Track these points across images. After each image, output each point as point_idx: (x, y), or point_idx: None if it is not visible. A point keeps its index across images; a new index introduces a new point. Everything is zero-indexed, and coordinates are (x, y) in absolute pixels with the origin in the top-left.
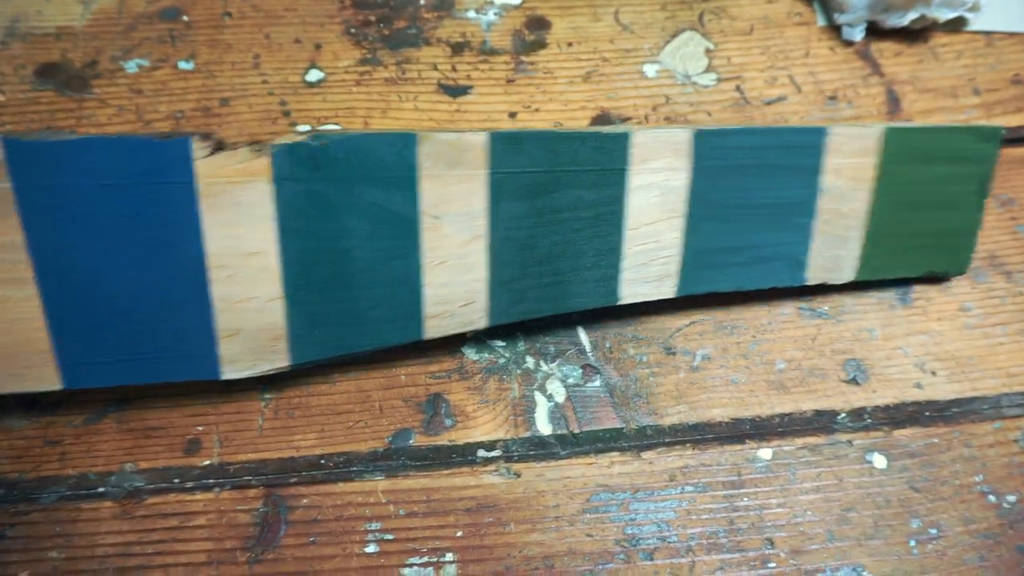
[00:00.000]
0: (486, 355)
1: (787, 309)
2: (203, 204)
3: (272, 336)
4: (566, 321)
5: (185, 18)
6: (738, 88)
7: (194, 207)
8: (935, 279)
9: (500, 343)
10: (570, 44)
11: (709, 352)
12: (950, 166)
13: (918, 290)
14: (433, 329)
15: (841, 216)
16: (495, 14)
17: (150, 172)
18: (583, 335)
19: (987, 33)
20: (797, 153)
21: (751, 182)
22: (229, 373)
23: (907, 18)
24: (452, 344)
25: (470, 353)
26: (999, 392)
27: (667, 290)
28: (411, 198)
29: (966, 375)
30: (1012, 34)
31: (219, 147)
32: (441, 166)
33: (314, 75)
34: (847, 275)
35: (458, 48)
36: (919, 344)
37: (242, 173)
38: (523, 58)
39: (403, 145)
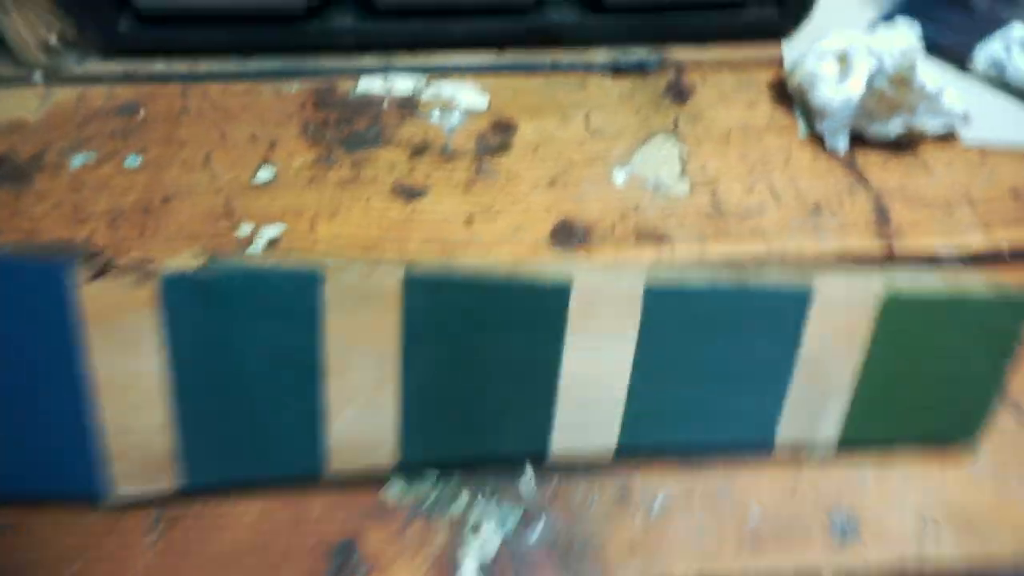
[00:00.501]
0: (413, 490)
1: None
2: (87, 329)
3: (160, 460)
4: None
5: (142, 113)
6: (713, 196)
7: (77, 332)
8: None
9: (432, 475)
10: (536, 148)
11: (671, 494)
12: (966, 335)
13: None
14: (337, 466)
15: (822, 379)
16: (460, 116)
17: (33, 294)
18: (528, 468)
19: (980, 147)
20: (773, 316)
21: (713, 346)
22: (117, 492)
23: (891, 127)
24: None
25: (396, 487)
26: (1014, 552)
27: (605, 446)
28: (314, 338)
29: (975, 532)
30: (1005, 148)
31: (105, 269)
32: (349, 305)
33: (265, 173)
34: (825, 442)
35: (418, 150)
36: (920, 494)
37: (127, 300)
38: (486, 161)
39: (306, 283)
